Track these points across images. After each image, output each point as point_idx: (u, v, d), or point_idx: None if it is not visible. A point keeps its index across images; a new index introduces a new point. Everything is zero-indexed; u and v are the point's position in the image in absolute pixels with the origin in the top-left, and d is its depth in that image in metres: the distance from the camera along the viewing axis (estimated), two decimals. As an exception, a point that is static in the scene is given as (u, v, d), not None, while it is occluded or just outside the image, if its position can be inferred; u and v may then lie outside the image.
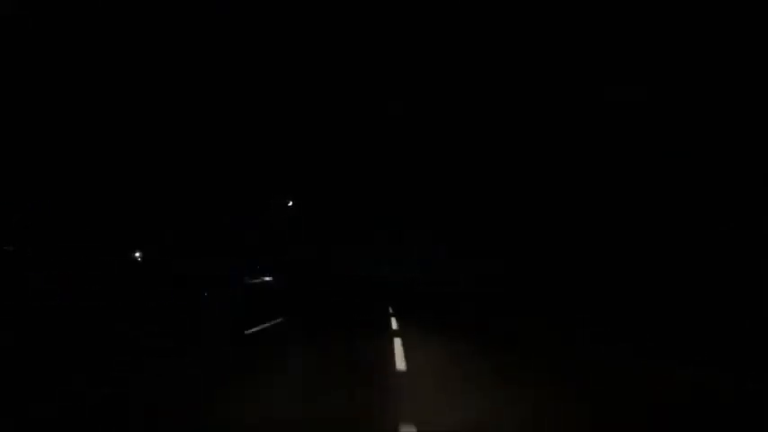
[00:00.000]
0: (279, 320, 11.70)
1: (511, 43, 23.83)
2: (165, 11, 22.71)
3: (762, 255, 13.40)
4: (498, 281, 28.20)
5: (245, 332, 9.31)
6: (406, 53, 28.54)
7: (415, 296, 27.32)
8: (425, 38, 27.12)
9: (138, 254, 25.64)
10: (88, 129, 22.61)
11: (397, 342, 8.32)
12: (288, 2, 26.31)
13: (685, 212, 16.84)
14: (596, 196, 21.30)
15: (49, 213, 20.65)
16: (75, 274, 16.99)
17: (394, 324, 11.80)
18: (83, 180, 22.04)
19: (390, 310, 16.28)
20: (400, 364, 6.40)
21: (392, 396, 4.86)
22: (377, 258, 49.41)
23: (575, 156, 22.64)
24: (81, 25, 19.94)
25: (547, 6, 21.56)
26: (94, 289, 16.09)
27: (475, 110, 28.95)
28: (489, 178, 30.81)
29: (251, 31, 26.15)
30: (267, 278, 34.12)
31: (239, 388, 4.95)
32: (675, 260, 16.49)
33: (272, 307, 15.63)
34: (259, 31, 26.81)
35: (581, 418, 4.24)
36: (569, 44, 21.03)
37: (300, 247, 44.40)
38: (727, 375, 6.01)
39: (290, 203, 40.33)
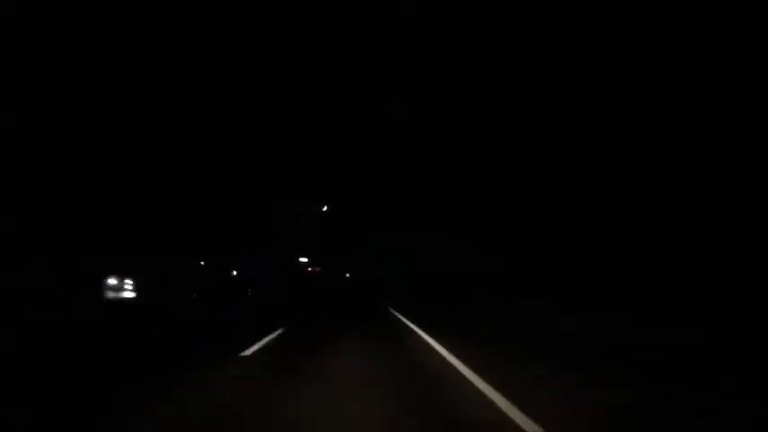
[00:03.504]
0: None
1: (511, 43, 23.78)
2: (183, 16, 22.74)
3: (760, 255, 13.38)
4: (498, 280, 28.17)
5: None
6: (406, 53, 28.49)
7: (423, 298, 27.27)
8: (426, 38, 27.06)
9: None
10: (137, 136, 23.25)
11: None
12: (288, 3, 26.25)
13: (687, 214, 16.81)
14: (596, 197, 21.28)
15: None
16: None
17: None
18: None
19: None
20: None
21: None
22: (378, 258, 49.44)
23: (577, 155, 22.60)
24: (82, 25, 19.93)
25: (548, 5, 21.53)
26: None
27: (475, 109, 28.90)
28: (490, 177, 30.76)
29: (243, 30, 26.07)
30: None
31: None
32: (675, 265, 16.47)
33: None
34: (254, 30, 26.76)
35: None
36: (572, 44, 20.99)
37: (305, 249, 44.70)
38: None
39: (325, 208, 40.83)
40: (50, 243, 19.35)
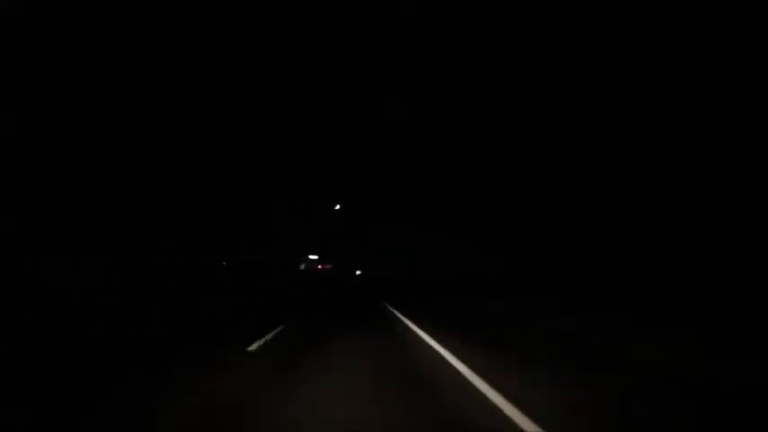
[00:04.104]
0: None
1: (511, 43, 23.77)
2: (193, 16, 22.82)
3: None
4: (498, 280, 28.18)
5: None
6: (406, 53, 28.48)
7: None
8: (426, 38, 27.06)
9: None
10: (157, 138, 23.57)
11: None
12: (288, 3, 26.25)
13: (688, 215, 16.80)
14: (596, 197, 21.27)
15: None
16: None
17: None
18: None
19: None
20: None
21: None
22: (378, 258, 49.40)
23: (576, 156, 22.60)
24: (82, 25, 19.92)
25: (548, 5, 21.52)
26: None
27: (475, 109, 28.90)
28: (489, 177, 30.76)
29: (243, 29, 26.08)
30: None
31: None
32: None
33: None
34: (254, 30, 26.76)
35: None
36: (572, 45, 20.99)
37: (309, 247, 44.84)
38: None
39: (338, 207, 40.94)
40: (51, 242, 19.36)
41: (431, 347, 8.52)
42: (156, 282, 23.75)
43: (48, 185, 19.83)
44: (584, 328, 11.30)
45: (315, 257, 45.78)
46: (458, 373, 6.17)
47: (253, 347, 8.23)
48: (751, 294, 12.06)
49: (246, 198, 34.80)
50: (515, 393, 4.84)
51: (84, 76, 20.83)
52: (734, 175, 15.31)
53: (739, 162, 15.18)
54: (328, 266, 47.22)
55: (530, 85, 24.20)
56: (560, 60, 21.92)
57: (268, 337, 9.78)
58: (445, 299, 25.48)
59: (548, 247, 26.10)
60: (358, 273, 52.37)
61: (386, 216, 44.38)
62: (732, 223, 15.09)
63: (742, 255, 14.23)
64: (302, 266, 45.04)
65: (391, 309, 19.34)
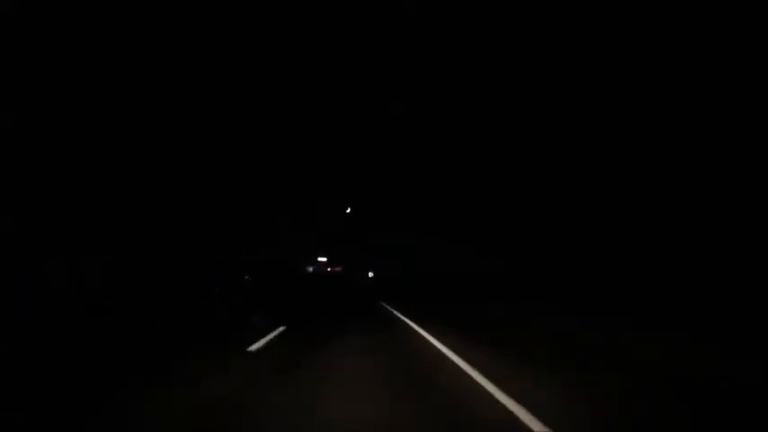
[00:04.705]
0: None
1: (511, 43, 23.76)
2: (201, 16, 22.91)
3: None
4: (498, 280, 28.17)
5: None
6: (406, 53, 28.46)
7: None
8: (426, 38, 27.04)
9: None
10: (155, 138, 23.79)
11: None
12: (286, 3, 26.23)
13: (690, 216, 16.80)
14: (596, 197, 21.27)
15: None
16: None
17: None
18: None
19: None
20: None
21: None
22: (378, 258, 49.26)
23: (576, 156, 22.60)
24: (82, 25, 19.91)
25: (548, 5, 21.51)
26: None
27: (475, 109, 28.88)
28: (489, 177, 30.75)
29: (242, 29, 26.05)
30: None
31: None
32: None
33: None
34: (253, 29, 26.74)
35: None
36: (571, 45, 20.98)
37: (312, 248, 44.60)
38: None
39: (348, 210, 40.81)
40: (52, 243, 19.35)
41: (431, 347, 8.53)
42: (156, 282, 23.74)
43: (47, 185, 19.82)
44: (584, 328, 11.30)
45: (324, 259, 45.12)
46: (458, 372, 6.18)
47: (253, 348, 8.24)
48: (751, 294, 12.06)
49: (246, 198, 34.81)
50: (515, 392, 4.85)
51: (84, 76, 20.82)
52: (734, 176, 15.31)
53: (739, 162, 15.17)
54: (338, 268, 46.21)
55: (530, 85, 24.18)
56: (560, 60, 21.91)
57: (268, 337, 9.78)
58: (445, 299, 25.45)
59: (548, 247, 26.09)
60: (371, 275, 50.50)
61: (386, 216, 44.33)
62: (732, 223, 15.09)
63: (742, 255, 14.23)
64: (310, 269, 44.21)
65: (391, 309, 19.33)
